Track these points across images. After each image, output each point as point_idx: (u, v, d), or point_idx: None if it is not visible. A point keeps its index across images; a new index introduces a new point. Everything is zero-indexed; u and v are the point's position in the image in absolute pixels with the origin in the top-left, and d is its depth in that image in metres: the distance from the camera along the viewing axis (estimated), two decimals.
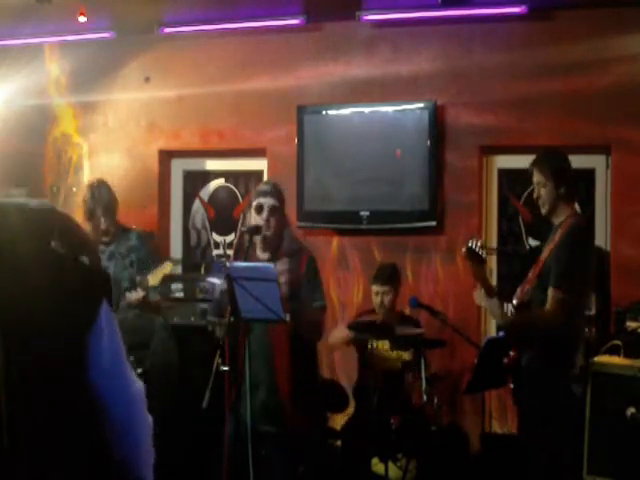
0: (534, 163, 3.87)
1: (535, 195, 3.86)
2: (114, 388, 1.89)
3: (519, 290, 3.86)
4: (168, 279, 5.07)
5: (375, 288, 5.10)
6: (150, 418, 1.99)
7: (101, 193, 4.55)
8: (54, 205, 2.12)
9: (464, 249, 3.70)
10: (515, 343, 3.74)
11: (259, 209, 3.72)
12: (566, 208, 3.77)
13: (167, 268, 4.33)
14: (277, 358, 3.68)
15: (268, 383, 3.67)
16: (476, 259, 3.71)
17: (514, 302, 3.90)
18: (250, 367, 3.55)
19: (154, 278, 4.25)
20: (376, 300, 5.09)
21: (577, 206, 3.95)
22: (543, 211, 3.86)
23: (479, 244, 3.71)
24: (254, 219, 3.73)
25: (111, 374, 1.88)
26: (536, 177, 3.82)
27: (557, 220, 3.79)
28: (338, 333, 5.04)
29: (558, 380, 3.61)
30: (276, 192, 3.79)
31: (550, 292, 3.59)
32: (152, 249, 4.89)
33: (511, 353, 3.78)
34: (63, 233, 1.97)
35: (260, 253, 3.79)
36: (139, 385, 1.97)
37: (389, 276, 5.10)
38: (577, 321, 3.66)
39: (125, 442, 1.91)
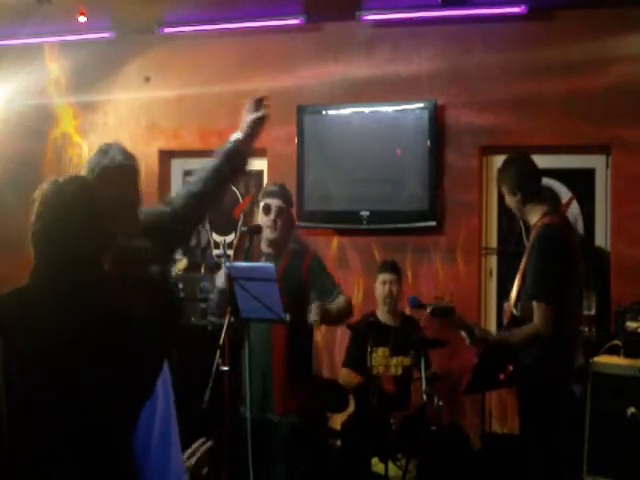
0: (497, 176, 3.92)
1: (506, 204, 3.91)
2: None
3: (505, 306, 3.86)
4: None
5: (382, 277, 5.12)
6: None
7: None
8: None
9: (428, 311, 3.70)
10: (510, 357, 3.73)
11: (267, 210, 3.73)
12: (535, 209, 3.72)
13: (183, 263, 4.59)
14: (275, 358, 3.68)
15: (265, 383, 3.67)
16: (443, 314, 3.72)
17: (504, 321, 3.89)
18: (250, 366, 3.56)
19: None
20: (384, 290, 5.09)
21: (547, 206, 3.74)
22: (518, 217, 3.92)
23: (441, 303, 3.76)
24: (261, 219, 3.75)
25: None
26: (500, 189, 3.90)
27: (531, 223, 3.78)
28: (348, 378, 5.01)
29: (558, 380, 3.61)
30: (283, 194, 3.81)
31: (534, 306, 3.56)
32: None
33: (509, 368, 3.78)
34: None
35: (265, 247, 3.80)
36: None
37: (394, 266, 5.17)
38: (568, 322, 3.61)
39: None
